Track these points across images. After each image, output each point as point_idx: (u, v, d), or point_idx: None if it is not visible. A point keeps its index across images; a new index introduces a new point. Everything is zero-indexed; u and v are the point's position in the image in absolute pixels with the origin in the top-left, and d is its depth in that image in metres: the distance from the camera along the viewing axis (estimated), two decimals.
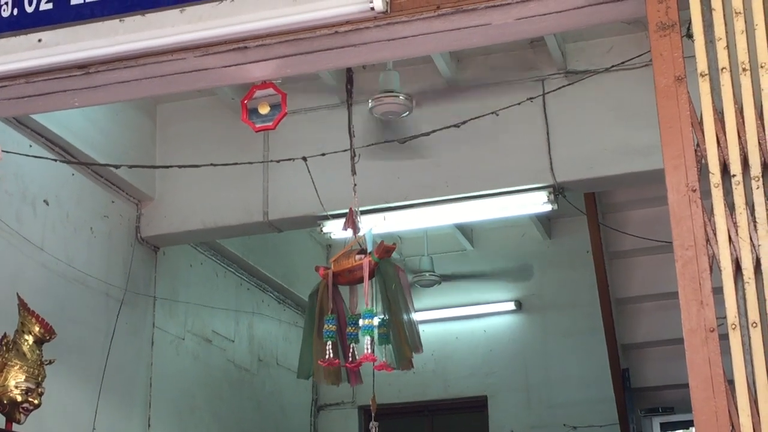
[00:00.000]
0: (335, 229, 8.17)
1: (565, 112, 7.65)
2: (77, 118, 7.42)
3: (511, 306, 11.30)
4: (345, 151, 6.74)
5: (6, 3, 4.39)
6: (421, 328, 11.09)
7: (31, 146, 7.09)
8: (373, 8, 3.87)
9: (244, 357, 10.12)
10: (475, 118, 6.72)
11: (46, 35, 4.22)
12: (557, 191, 7.66)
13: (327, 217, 7.78)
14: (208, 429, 9.32)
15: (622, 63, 7.06)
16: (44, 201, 7.23)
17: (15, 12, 4.37)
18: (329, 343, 4.94)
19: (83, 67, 4.24)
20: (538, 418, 10.95)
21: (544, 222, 11.04)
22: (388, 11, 3.94)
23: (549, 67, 7.75)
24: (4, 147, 6.73)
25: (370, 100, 7.19)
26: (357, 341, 5.01)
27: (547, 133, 7.66)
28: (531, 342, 11.20)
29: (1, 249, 6.77)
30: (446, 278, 11.40)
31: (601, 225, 8.67)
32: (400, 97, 7.00)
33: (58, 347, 6.29)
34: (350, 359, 4.96)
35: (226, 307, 9.75)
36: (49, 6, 4.33)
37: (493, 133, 7.63)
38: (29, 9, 4.36)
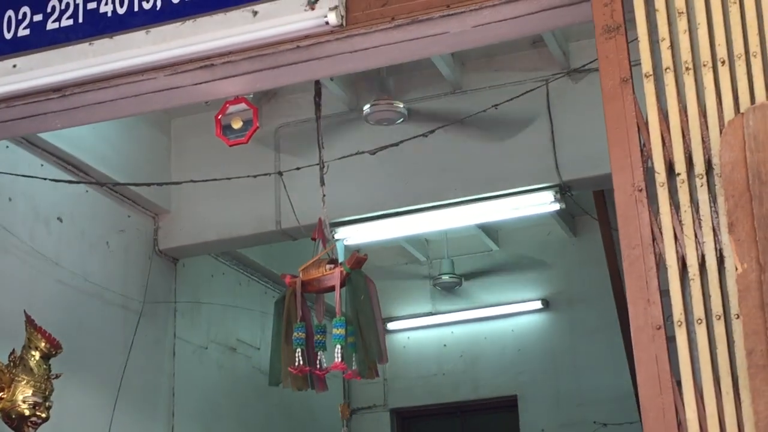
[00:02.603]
0: (348, 236, 8.29)
1: (569, 111, 7.67)
2: (89, 136, 7.54)
3: (539, 305, 11.35)
4: (349, 156, 6.80)
5: None
6: (450, 329, 11.62)
7: (42, 165, 7.23)
8: (327, 23, 3.95)
9: None
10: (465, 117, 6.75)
11: (20, 61, 4.36)
12: (564, 190, 7.69)
13: (337, 224, 7.88)
14: None
15: None
16: (58, 218, 7.39)
17: None
18: (299, 350, 5.04)
19: (58, 90, 4.37)
20: (568, 416, 10.97)
21: (569, 220, 11.04)
22: (344, 25, 4.01)
23: (552, 66, 7.77)
24: (16, 167, 6.92)
25: (364, 108, 7.26)
26: (324, 349, 5.11)
27: (552, 133, 7.69)
28: (559, 340, 11.23)
29: (15, 267, 6.93)
30: (472, 279, 11.46)
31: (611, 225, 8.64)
32: (395, 104, 7.06)
33: (76, 361, 6.42)
34: (318, 366, 5.05)
35: (251, 316, 9.86)
36: (27, 32, 4.46)
37: (498, 135, 7.68)
38: (8, 36, 4.50)
